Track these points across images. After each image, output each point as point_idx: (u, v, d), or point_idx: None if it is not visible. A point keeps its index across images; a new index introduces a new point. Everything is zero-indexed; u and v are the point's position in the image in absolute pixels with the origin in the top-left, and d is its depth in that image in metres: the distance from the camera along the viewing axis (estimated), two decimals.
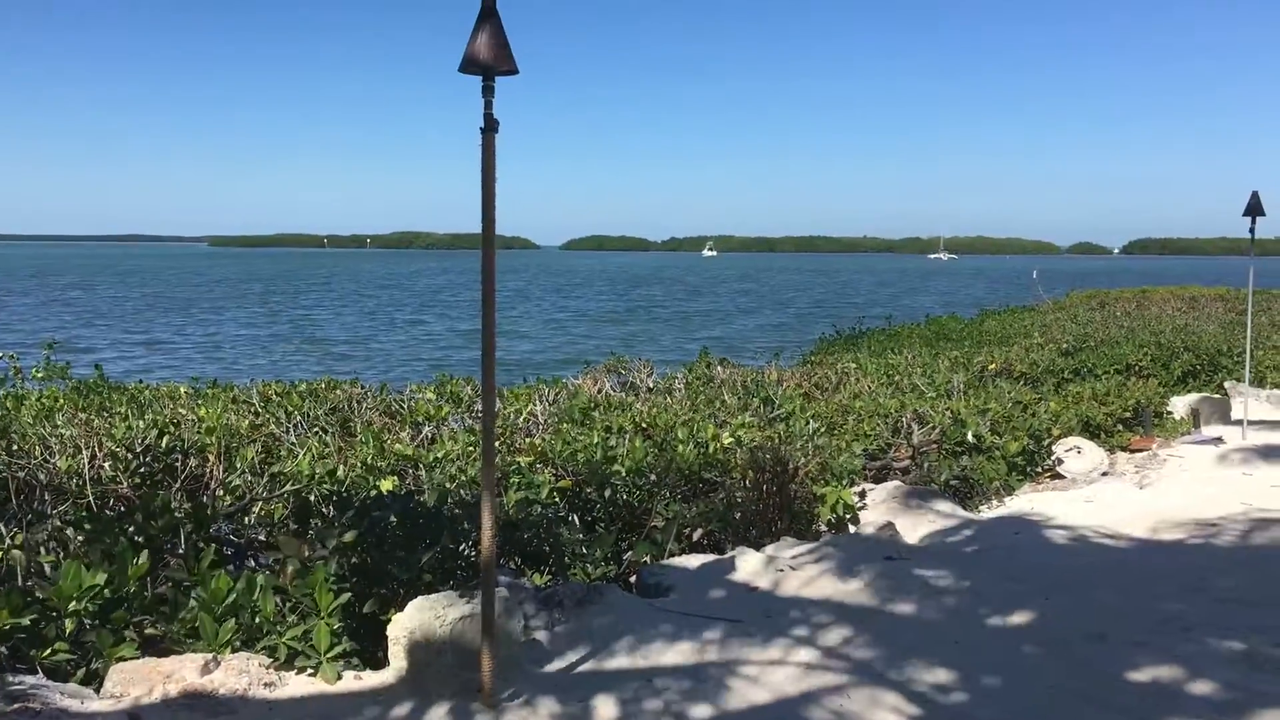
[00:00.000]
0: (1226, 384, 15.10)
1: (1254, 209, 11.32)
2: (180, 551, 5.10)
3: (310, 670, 4.25)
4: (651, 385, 12.36)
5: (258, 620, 4.36)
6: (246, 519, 5.99)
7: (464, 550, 5.25)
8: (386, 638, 4.32)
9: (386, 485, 6.25)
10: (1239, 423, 11.80)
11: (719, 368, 13.20)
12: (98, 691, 4.03)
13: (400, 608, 4.40)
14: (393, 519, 5.13)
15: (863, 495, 7.90)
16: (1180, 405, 12.93)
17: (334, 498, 5.64)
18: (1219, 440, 11.21)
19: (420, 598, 4.34)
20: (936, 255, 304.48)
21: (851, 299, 77.34)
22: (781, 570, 5.96)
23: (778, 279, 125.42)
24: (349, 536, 4.67)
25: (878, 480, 8.86)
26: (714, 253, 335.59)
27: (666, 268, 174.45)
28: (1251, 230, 11.58)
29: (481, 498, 4.07)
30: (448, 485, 6.42)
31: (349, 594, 4.46)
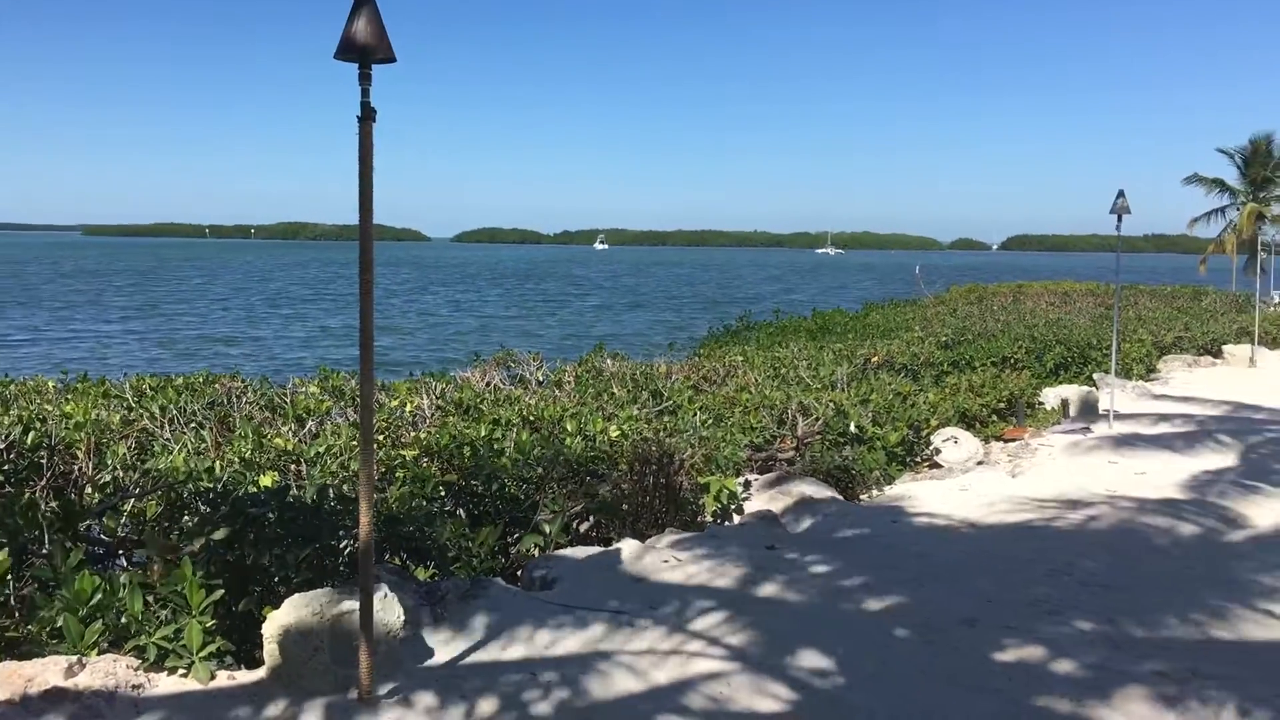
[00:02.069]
0: (1095, 375, 15.71)
1: (1120, 208, 11.82)
2: (45, 551, 4.91)
3: (182, 670, 4.13)
4: (541, 378, 12.32)
5: (124, 620, 4.22)
6: (118, 517, 5.79)
7: (344, 546, 5.17)
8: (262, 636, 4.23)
9: (266, 481, 6.11)
10: (1106, 413, 12.29)
11: (609, 361, 13.22)
12: None
13: (278, 605, 4.31)
14: (270, 515, 5.03)
15: (747, 485, 8.01)
16: (1052, 396, 13.42)
17: (210, 494, 5.50)
18: (1087, 430, 11.67)
19: (297, 594, 4.26)
20: (824, 250, 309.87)
21: (740, 292, 78.19)
22: (666, 560, 6.01)
23: (673, 272, 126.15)
24: (221, 533, 4.56)
25: (763, 471, 8.99)
26: (605, 246, 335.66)
27: (558, 260, 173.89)
28: (1118, 228, 12.08)
29: (360, 490, 4.01)
30: (330, 480, 6.30)
31: (221, 591, 4.35)
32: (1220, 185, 45.27)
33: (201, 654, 4.13)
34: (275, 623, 4.14)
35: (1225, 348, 20.21)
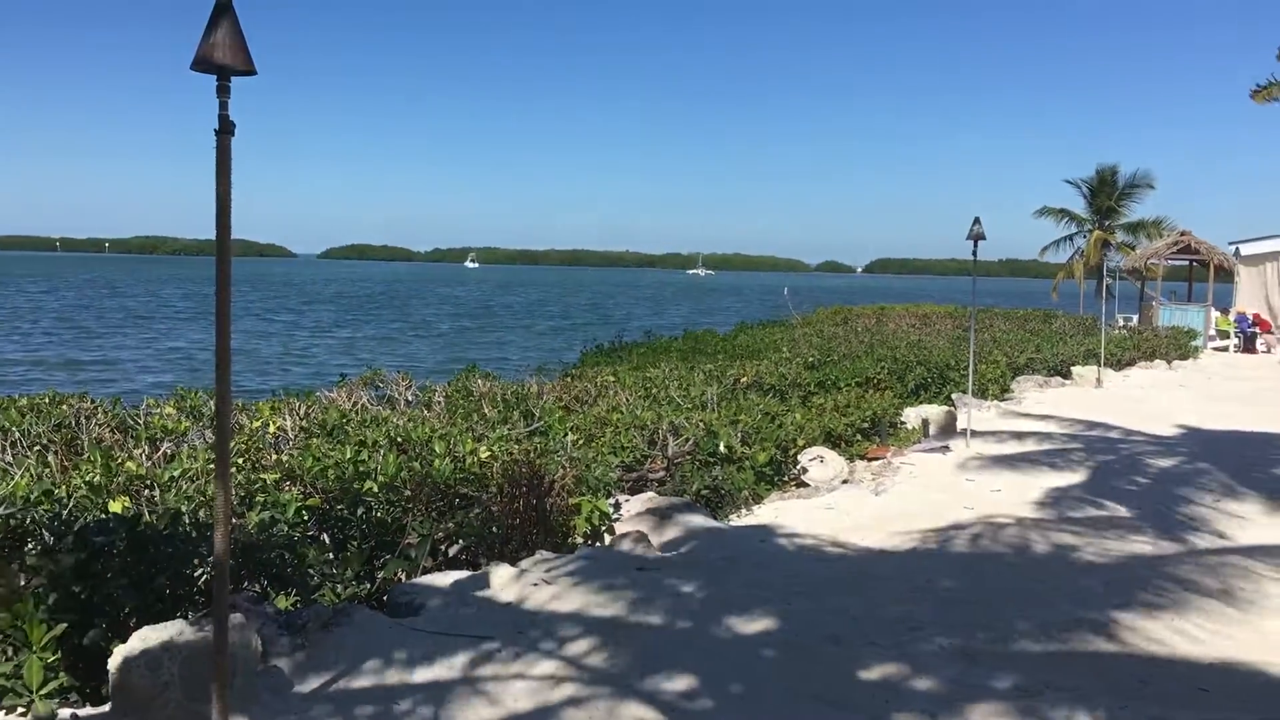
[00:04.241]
0: (954, 395, 16.23)
1: (975, 234, 12.27)
2: None
3: (21, 709, 3.91)
4: (410, 399, 12.11)
5: None
6: None
7: (199, 574, 4.97)
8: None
9: (116, 507, 5.83)
10: (964, 432, 12.70)
11: (480, 381, 13.07)
12: None
13: (128, 639, 4.11)
14: (119, 543, 4.80)
15: (618, 506, 8.00)
16: (913, 416, 13.80)
17: (55, 521, 5.22)
18: (946, 448, 12.04)
19: (146, 626, 4.07)
20: (695, 271, 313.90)
21: (613, 313, 78.48)
22: (535, 584, 5.95)
23: (546, 293, 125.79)
24: (66, 563, 4.32)
25: (634, 491, 8.99)
26: (476, 264, 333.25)
27: (428, 279, 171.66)
28: (974, 253, 12.53)
29: (215, 515, 3.85)
30: (185, 505, 6.05)
31: (64, 626, 4.13)
32: (1068, 215, 47.38)
33: (42, 691, 3.91)
34: (121, 656, 3.95)
35: (1074, 369, 21.13)
